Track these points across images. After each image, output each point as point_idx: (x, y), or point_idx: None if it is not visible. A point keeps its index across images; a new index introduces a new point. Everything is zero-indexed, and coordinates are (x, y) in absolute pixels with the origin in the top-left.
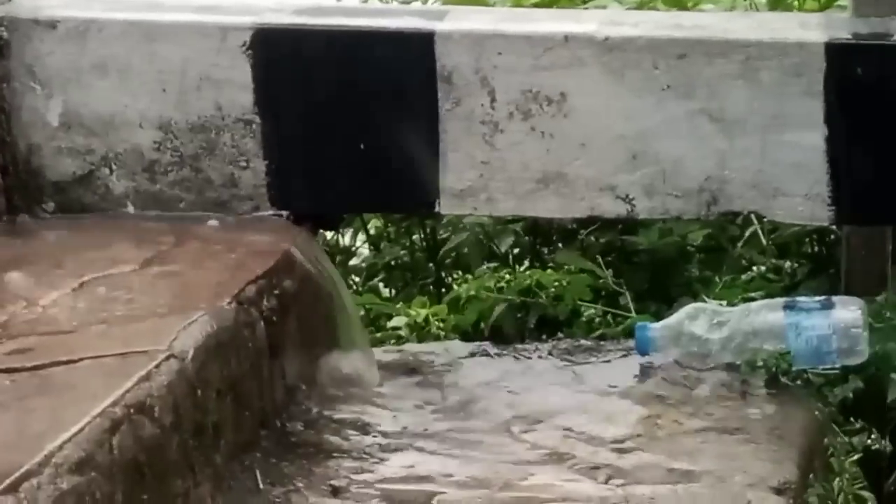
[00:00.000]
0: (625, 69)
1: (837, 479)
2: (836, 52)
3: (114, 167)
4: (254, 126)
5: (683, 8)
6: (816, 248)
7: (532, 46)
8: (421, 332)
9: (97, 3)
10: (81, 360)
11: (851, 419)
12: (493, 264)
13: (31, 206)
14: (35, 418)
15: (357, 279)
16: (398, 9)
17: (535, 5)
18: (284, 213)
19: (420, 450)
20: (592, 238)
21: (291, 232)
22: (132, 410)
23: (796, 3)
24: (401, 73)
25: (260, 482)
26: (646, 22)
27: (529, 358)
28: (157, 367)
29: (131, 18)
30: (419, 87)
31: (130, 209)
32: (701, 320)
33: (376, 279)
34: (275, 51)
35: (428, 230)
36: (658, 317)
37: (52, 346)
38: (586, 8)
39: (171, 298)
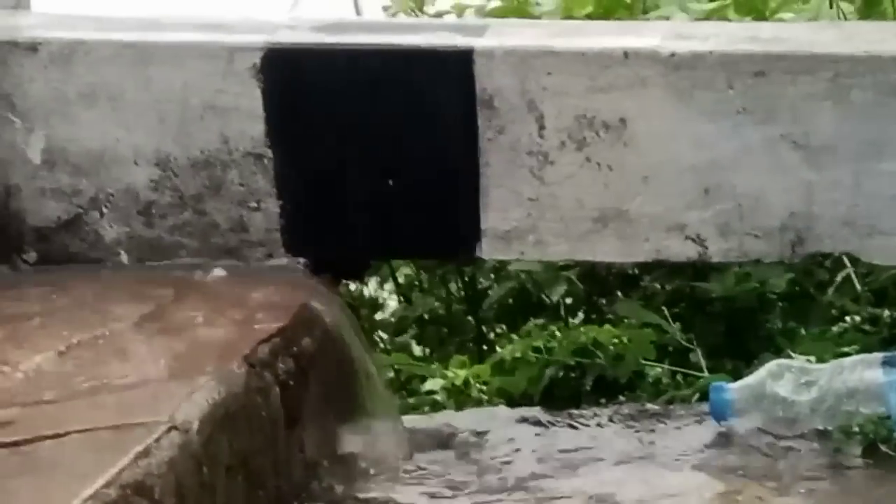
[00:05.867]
0: (694, 90)
1: None
2: None
3: (104, 210)
4: (265, 161)
5: (760, 18)
6: None
7: (586, 65)
8: (460, 396)
9: (85, 21)
10: (69, 433)
11: None
12: (542, 318)
13: (9, 255)
14: (17, 502)
15: (385, 336)
16: (431, 23)
17: (589, 17)
18: (301, 260)
19: None
20: (657, 286)
21: (310, 283)
22: (129, 491)
23: (892, 9)
24: (435, 97)
25: None
26: (717, 35)
27: (587, 426)
28: (156, 440)
29: (124, 39)
30: (456, 114)
31: (124, 258)
32: (786, 380)
33: (407, 335)
34: (289, 74)
35: (467, 279)
36: (736, 376)
37: (35, 418)
38: (648, 19)
39: (171, 361)
